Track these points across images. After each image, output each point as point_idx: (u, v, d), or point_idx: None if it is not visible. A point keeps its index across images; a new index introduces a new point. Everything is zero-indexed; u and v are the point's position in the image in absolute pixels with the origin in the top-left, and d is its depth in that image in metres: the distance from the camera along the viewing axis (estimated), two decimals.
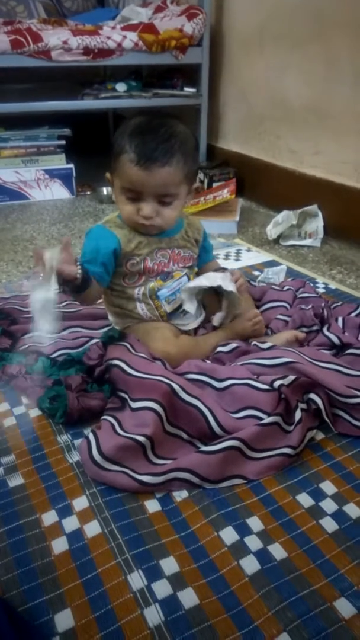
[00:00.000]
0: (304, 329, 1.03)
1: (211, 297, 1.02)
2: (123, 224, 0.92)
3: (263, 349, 0.93)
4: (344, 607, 0.55)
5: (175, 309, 0.97)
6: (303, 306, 1.09)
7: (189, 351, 0.91)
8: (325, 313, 1.06)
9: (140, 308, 0.95)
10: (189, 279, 0.99)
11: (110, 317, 1.01)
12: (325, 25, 1.53)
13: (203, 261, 1.05)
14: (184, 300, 0.96)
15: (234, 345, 0.94)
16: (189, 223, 1.00)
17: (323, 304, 1.09)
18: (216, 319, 1.00)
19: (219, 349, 0.94)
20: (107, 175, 0.92)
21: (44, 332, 0.84)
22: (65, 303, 1.16)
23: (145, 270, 0.93)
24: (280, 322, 1.05)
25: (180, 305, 0.97)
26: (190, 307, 0.96)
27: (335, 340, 0.96)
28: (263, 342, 0.95)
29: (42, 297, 0.78)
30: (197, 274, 1.03)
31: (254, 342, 0.95)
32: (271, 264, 1.44)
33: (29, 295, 0.80)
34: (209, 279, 0.95)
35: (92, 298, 0.92)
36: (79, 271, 0.82)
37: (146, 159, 0.82)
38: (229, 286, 0.94)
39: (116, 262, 0.91)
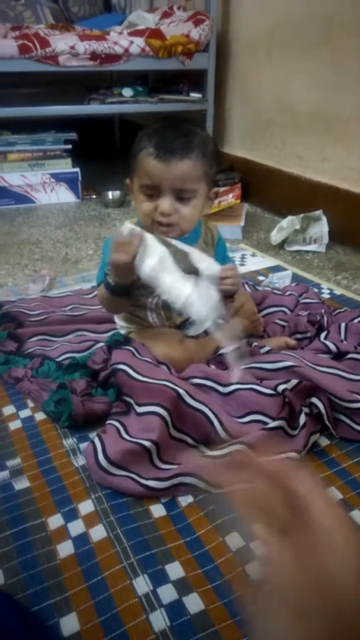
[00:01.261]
0: (298, 335, 1.03)
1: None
2: (142, 230, 0.91)
3: (262, 353, 0.93)
4: None
5: (185, 320, 0.96)
6: (300, 312, 1.10)
7: (193, 355, 0.91)
8: (325, 319, 1.06)
9: (151, 317, 0.95)
10: None
11: (117, 320, 1.01)
12: (332, 31, 1.53)
13: None
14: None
15: (235, 345, 0.94)
16: (207, 228, 0.98)
17: (323, 311, 1.09)
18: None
19: (221, 351, 0.94)
20: (127, 181, 0.91)
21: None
22: (70, 306, 1.17)
23: None
24: (277, 326, 1.05)
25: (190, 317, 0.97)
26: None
27: (332, 347, 0.96)
28: (262, 347, 0.95)
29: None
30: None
31: (254, 344, 0.96)
32: (276, 269, 1.45)
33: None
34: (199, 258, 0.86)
35: (125, 307, 0.92)
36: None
37: (165, 151, 0.81)
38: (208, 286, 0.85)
39: None
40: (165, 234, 0.86)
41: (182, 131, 0.84)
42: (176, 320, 0.95)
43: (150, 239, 0.79)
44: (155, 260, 0.77)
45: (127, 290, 0.85)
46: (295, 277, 1.38)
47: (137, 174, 0.85)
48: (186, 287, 0.77)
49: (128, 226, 0.82)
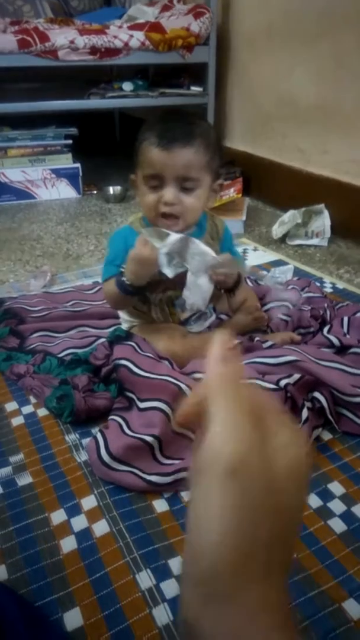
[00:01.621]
0: (302, 330, 1.03)
1: (220, 297, 1.02)
2: (147, 226, 0.90)
3: (265, 347, 0.93)
4: (352, 608, 0.55)
5: (189, 316, 0.96)
6: (304, 307, 1.09)
7: (195, 351, 0.91)
8: (328, 314, 1.05)
9: (155, 312, 0.95)
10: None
11: (120, 314, 1.00)
12: (333, 23, 1.52)
13: None
14: (162, 265, 0.86)
15: (235, 341, 0.94)
16: (213, 222, 0.98)
17: (326, 305, 1.09)
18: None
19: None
20: (132, 176, 0.91)
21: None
22: (72, 302, 1.17)
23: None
24: (280, 321, 1.05)
25: (194, 314, 0.96)
26: (168, 271, 0.85)
27: (335, 341, 0.96)
28: (265, 341, 0.95)
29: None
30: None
31: (257, 338, 0.95)
32: (278, 263, 1.44)
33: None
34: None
35: (132, 303, 0.93)
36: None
37: (167, 140, 0.82)
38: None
39: None
40: (169, 227, 0.86)
41: (184, 121, 0.85)
42: (180, 316, 0.95)
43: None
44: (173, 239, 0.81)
45: (140, 289, 0.86)
46: (297, 271, 1.37)
47: (141, 165, 0.85)
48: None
49: (149, 229, 0.84)
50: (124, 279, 0.85)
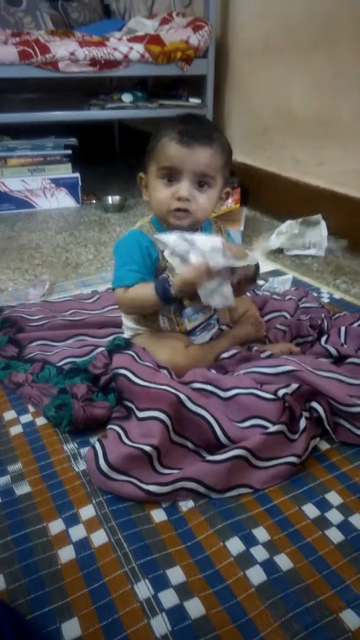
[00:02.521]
0: (300, 340, 1.04)
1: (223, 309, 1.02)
2: (156, 231, 0.90)
3: (263, 357, 0.94)
4: (350, 619, 0.56)
5: (196, 326, 0.97)
6: (302, 317, 1.10)
7: (197, 361, 0.91)
8: (325, 324, 1.06)
9: (162, 321, 0.95)
10: None
11: (125, 321, 1.00)
12: (330, 35, 1.54)
13: None
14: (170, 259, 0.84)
15: (234, 351, 0.94)
16: (218, 228, 0.99)
17: (323, 315, 1.10)
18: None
19: (222, 355, 0.94)
20: (141, 174, 0.91)
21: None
22: (70, 311, 1.17)
23: None
24: (278, 331, 1.06)
25: (200, 324, 0.97)
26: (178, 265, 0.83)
27: (333, 351, 0.97)
28: (263, 351, 0.95)
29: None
30: None
31: (255, 348, 0.96)
32: (275, 273, 1.45)
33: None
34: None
35: (157, 310, 0.93)
36: None
37: (188, 137, 0.83)
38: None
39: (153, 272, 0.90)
40: (178, 220, 0.87)
41: (205, 125, 0.88)
42: (187, 326, 0.95)
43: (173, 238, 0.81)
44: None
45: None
46: (294, 282, 1.38)
47: (157, 159, 0.86)
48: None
49: (172, 236, 0.82)
50: (170, 287, 0.83)
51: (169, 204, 0.86)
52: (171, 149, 0.84)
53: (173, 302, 0.87)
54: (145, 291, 0.86)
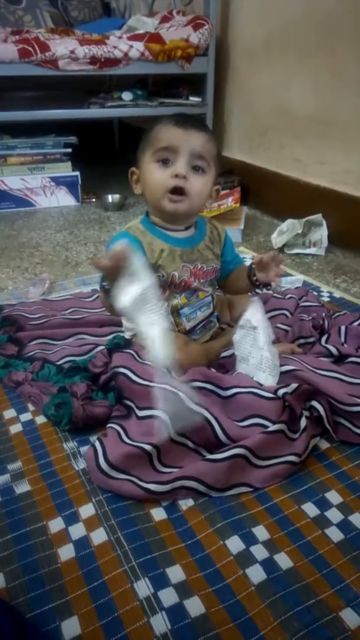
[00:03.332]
0: (302, 340, 1.03)
1: (222, 304, 1.02)
2: (146, 231, 0.91)
3: None
4: (349, 617, 0.56)
5: (193, 326, 0.96)
6: (304, 316, 1.10)
7: (197, 359, 0.91)
8: (326, 323, 1.06)
9: None
10: (213, 300, 0.98)
11: (124, 322, 1.00)
12: (331, 35, 1.54)
13: (230, 269, 1.01)
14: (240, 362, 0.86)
15: (232, 349, 0.94)
16: (212, 226, 0.99)
17: (324, 314, 1.10)
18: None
19: (222, 354, 0.94)
20: (131, 169, 0.92)
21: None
22: (70, 310, 1.17)
23: (172, 284, 0.91)
24: (280, 331, 1.05)
25: (199, 323, 0.97)
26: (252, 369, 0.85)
27: (334, 351, 0.96)
28: None
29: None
30: (225, 286, 1.02)
31: None
32: None
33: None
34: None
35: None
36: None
37: (183, 122, 0.86)
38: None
39: None
40: (174, 204, 0.86)
41: (197, 119, 0.91)
42: (186, 326, 0.95)
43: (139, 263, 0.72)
44: (135, 294, 0.70)
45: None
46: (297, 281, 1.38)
47: (152, 143, 0.87)
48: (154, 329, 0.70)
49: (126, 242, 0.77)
50: (104, 283, 0.82)
51: (165, 184, 0.85)
52: (168, 131, 0.85)
53: (109, 290, 0.80)
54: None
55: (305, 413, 0.80)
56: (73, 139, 2.10)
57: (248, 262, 1.51)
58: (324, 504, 0.70)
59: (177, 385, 0.81)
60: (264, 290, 1.28)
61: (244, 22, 1.96)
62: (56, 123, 2.13)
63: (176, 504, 0.70)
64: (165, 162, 0.86)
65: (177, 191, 0.85)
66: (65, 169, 2.08)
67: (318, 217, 1.60)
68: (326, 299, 1.28)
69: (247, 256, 1.58)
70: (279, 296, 1.19)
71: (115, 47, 1.88)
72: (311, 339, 1.03)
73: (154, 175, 0.86)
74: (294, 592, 0.58)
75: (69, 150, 2.08)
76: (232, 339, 0.92)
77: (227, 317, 1.03)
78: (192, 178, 0.86)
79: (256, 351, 0.85)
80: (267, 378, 0.83)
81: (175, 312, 0.94)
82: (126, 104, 2.09)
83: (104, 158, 2.87)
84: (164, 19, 2.19)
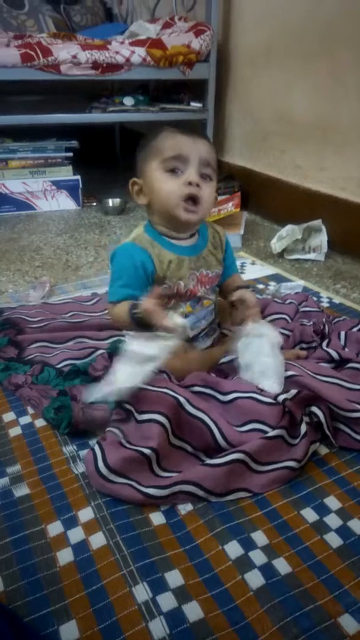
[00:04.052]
0: (304, 345, 1.03)
1: (223, 309, 1.02)
2: (153, 241, 0.89)
3: None
4: (348, 623, 0.56)
5: (197, 334, 0.96)
6: (305, 321, 1.10)
7: (197, 366, 0.91)
8: (327, 328, 1.06)
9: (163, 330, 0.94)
10: (215, 307, 0.98)
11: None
12: (332, 41, 1.55)
13: (225, 275, 1.01)
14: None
15: (234, 355, 0.94)
16: (214, 231, 0.99)
17: (324, 319, 1.10)
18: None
19: (222, 360, 0.94)
20: (132, 180, 0.91)
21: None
22: (70, 313, 1.17)
23: (177, 294, 0.91)
24: (281, 336, 1.05)
25: (203, 330, 0.97)
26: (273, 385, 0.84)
27: (335, 355, 0.97)
28: None
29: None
30: (220, 291, 1.02)
31: None
32: (276, 277, 1.45)
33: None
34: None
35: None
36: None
37: (187, 130, 0.86)
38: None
39: (150, 285, 0.88)
40: (188, 214, 0.86)
41: (195, 127, 0.89)
42: (189, 334, 0.95)
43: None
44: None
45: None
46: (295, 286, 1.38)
47: (160, 152, 0.85)
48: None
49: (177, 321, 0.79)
50: (137, 312, 0.81)
51: (179, 193, 0.84)
52: (176, 140, 0.85)
53: (144, 328, 0.82)
54: (125, 310, 0.84)
55: (305, 419, 0.81)
56: (74, 143, 2.10)
57: (247, 267, 1.52)
58: (323, 510, 0.70)
59: (177, 390, 0.81)
60: (265, 296, 1.29)
61: (245, 28, 1.97)
62: (58, 127, 2.14)
63: (175, 508, 0.70)
64: (174, 171, 0.85)
65: (192, 199, 0.85)
66: (66, 173, 2.09)
67: (318, 222, 1.61)
68: (326, 305, 1.29)
69: (247, 260, 1.58)
70: (279, 301, 1.20)
71: (117, 53, 1.89)
72: (313, 344, 1.03)
73: (165, 184, 0.85)
74: (293, 598, 0.58)
75: (70, 154, 2.09)
76: (234, 346, 0.93)
77: (228, 323, 1.03)
78: (203, 186, 0.86)
79: (262, 358, 0.85)
80: (272, 385, 0.83)
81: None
82: (128, 109, 2.10)
83: (105, 162, 2.87)
84: (166, 25, 2.20)
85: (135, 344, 0.77)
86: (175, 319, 0.78)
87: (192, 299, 0.93)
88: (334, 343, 1.02)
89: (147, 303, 0.79)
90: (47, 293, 1.32)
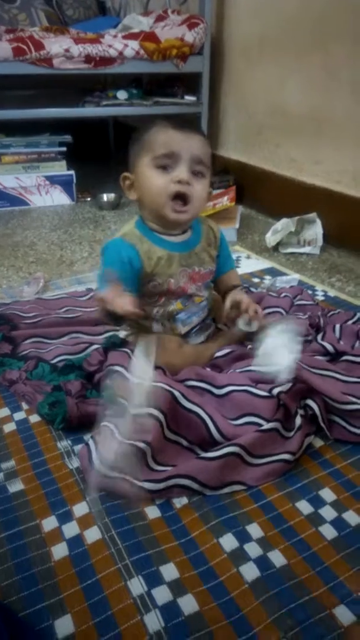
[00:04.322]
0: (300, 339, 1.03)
1: (218, 305, 1.02)
2: (142, 237, 0.88)
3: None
4: (343, 614, 0.56)
5: (190, 329, 0.96)
6: (300, 314, 1.10)
7: (192, 361, 0.91)
8: (322, 321, 1.06)
9: (156, 327, 0.94)
10: (208, 303, 0.98)
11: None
12: (325, 34, 1.54)
13: (221, 271, 1.00)
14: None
15: (228, 350, 0.94)
16: (208, 227, 0.97)
17: (319, 312, 1.10)
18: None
19: (216, 354, 0.94)
20: (123, 175, 0.90)
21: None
22: (65, 309, 1.17)
23: (168, 292, 0.90)
24: None
25: (195, 326, 0.96)
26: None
27: (330, 348, 0.97)
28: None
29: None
30: (216, 287, 1.02)
31: (249, 346, 0.96)
32: (271, 271, 1.45)
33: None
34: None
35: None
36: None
37: (180, 125, 0.84)
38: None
39: (138, 281, 0.88)
40: (177, 214, 0.85)
41: (190, 122, 0.89)
42: (181, 330, 0.95)
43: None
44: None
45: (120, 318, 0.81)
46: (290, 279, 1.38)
47: (151, 148, 0.84)
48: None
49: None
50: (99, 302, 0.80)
51: (167, 190, 0.83)
52: (167, 135, 0.83)
53: (115, 321, 0.82)
54: None
55: (300, 411, 0.81)
56: (68, 138, 2.09)
57: (243, 261, 1.52)
58: (317, 502, 0.70)
59: (172, 384, 0.81)
60: (260, 290, 1.28)
61: (238, 21, 1.96)
62: (51, 122, 2.13)
63: (170, 502, 0.70)
64: (165, 168, 0.84)
65: (181, 197, 0.84)
66: (60, 168, 2.08)
67: (311, 215, 1.61)
68: (321, 298, 1.28)
69: (243, 254, 1.58)
70: (274, 295, 1.19)
71: (110, 46, 1.88)
72: (308, 337, 1.03)
73: (154, 180, 0.84)
74: (288, 590, 0.58)
75: (64, 149, 2.07)
76: (232, 336, 0.92)
77: (224, 318, 1.02)
78: (194, 182, 0.84)
79: (284, 351, 0.84)
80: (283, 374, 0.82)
81: (171, 317, 0.93)
82: (121, 102, 2.09)
83: (99, 157, 2.86)
84: (159, 18, 2.19)
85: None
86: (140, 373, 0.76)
87: (183, 296, 0.92)
88: (329, 336, 1.02)
89: (105, 292, 0.77)
90: (41, 289, 1.31)
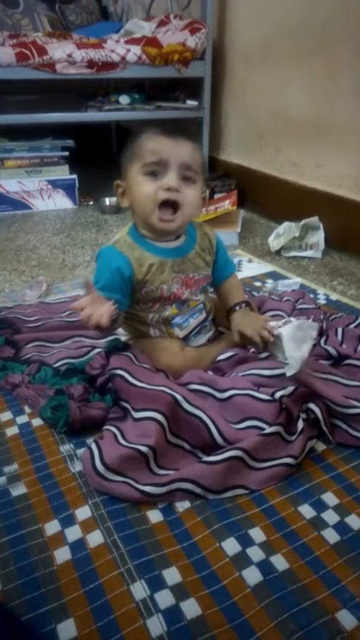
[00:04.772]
0: None
1: (218, 307, 1.02)
2: (134, 244, 0.88)
3: (260, 358, 0.94)
4: (346, 619, 0.56)
5: (188, 333, 0.96)
6: (302, 318, 1.10)
7: (193, 364, 0.91)
8: (324, 325, 1.06)
9: (153, 332, 0.94)
10: (204, 307, 0.97)
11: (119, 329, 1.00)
12: (327, 40, 1.55)
13: (221, 277, 1.00)
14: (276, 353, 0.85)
15: (231, 353, 0.94)
16: (203, 233, 0.97)
17: (322, 317, 1.10)
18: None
19: (218, 357, 0.94)
20: (116, 182, 0.90)
21: None
22: (67, 312, 1.17)
23: (161, 298, 0.90)
24: None
25: (193, 329, 0.96)
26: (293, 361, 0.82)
27: (333, 352, 0.97)
28: (260, 353, 0.95)
29: None
30: (217, 295, 1.02)
31: (252, 350, 0.96)
32: (273, 275, 1.45)
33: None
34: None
35: (120, 324, 0.90)
36: (115, 307, 0.78)
37: (171, 131, 0.83)
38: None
39: (131, 288, 0.88)
40: (164, 224, 0.84)
41: (182, 127, 0.88)
42: (179, 334, 0.95)
43: None
44: None
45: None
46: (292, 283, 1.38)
47: (140, 155, 0.84)
48: None
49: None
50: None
51: (155, 198, 0.82)
52: (157, 142, 0.83)
53: (102, 331, 0.82)
54: None
55: (302, 415, 0.81)
56: (70, 142, 2.10)
57: (244, 265, 1.52)
58: (320, 506, 0.70)
59: (174, 388, 0.81)
60: (262, 294, 1.28)
61: (240, 26, 1.97)
62: (53, 126, 2.13)
63: (172, 506, 0.70)
64: (154, 175, 0.83)
65: (170, 205, 0.84)
66: (63, 172, 2.09)
67: (315, 220, 1.61)
68: (322, 302, 1.29)
69: (244, 258, 1.58)
70: (276, 298, 1.20)
71: (112, 51, 1.89)
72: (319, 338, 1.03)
73: (143, 187, 0.83)
74: (290, 594, 0.58)
75: (66, 153, 2.08)
76: (235, 335, 0.92)
77: (225, 322, 1.02)
78: (184, 188, 0.84)
79: (298, 344, 0.83)
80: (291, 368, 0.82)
81: (166, 322, 0.93)
82: (123, 107, 2.10)
83: (101, 161, 2.87)
84: (161, 23, 2.20)
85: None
86: None
87: (177, 302, 0.92)
88: (332, 340, 1.02)
89: (83, 301, 0.77)
90: (43, 292, 1.32)
